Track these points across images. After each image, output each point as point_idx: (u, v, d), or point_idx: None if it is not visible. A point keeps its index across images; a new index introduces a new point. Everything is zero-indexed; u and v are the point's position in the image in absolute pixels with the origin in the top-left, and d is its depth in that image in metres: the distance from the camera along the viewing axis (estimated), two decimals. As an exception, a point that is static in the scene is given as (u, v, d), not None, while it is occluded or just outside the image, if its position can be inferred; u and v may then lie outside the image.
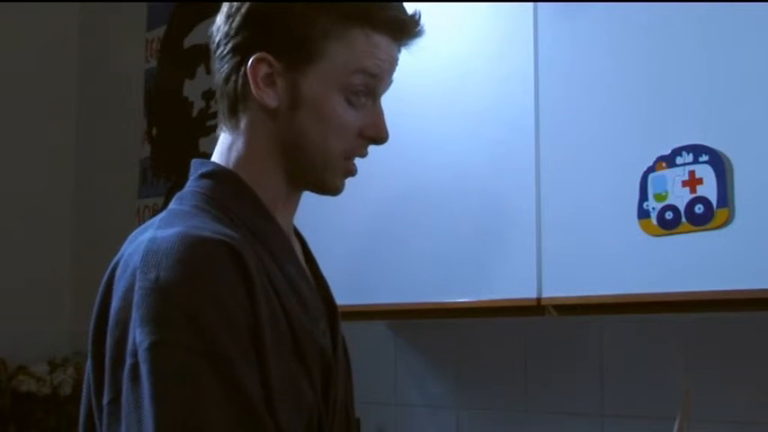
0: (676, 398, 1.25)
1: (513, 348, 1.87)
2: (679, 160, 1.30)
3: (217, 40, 1.02)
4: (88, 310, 0.95)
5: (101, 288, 0.94)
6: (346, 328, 1.11)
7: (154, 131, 2.81)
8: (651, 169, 1.32)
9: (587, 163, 1.41)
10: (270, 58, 0.97)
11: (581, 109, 1.43)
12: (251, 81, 0.98)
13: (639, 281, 1.33)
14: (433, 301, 1.57)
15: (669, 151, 1.31)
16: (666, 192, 1.31)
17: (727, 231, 1.25)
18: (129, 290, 0.87)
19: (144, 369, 0.83)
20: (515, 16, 1.52)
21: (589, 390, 1.75)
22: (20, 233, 2.87)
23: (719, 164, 1.26)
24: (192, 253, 0.86)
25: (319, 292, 1.06)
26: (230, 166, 1.02)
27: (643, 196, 1.33)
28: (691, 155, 1.28)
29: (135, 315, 0.85)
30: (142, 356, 0.83)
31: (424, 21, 1.03)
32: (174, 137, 2.73)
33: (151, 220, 0.98)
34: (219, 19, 1.02)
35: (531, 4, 1.50)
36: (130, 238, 0.98)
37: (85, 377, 0.97)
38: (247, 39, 0.98)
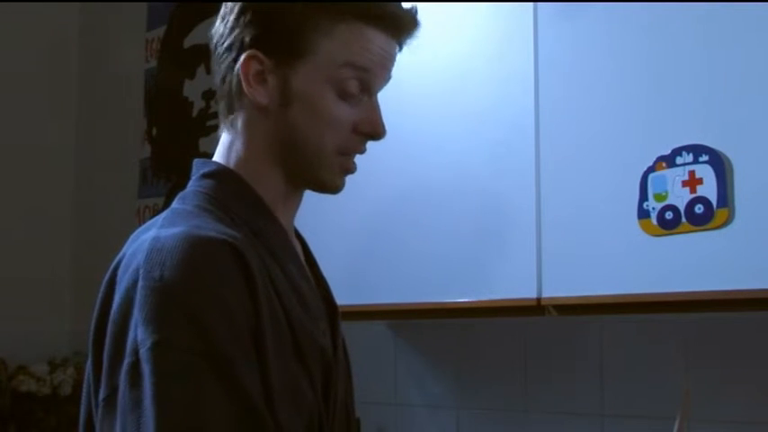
0: (676, 398, 1.25)
1: (513, 348, 1.87)
2: (679, 160, 1.30)
3: (214, 41, 1.03)
4: (88, 310, 0.95)
5: (102, 287, 0.94)
6: (346, 328, 1.11)
7: (154, 131, 2.81)
8: (651, 169, 1.32)
9: (587, 163, 1.41)
10: (260, 55, 0.98)
11: (581, 109, 1.43)
12: (242, 79, 0.99)
13: (639, 281, 1.33)
14: (433, 301, 1.57)
15: (669, 151, 1.31)
16: (666, 192, 1.31)
17: (727, 231, 1.25)
18: (131, 288, 0.87)
19: (145, 369, 0.83)
20: (515, 16, 1.52)
21: (589, 390, 1.75)
22: (20, 233, 2.87)
23: (719, 164, 1.26)
24: (195, 253, 0.86)
25: (320, 293, 1.06)
26: (231, 165, 1.02)
27: (643, 196, 1.33)
28: (691, 155, 1.29)
29: (137, 314, 0.85)
30: (144, 356, 0.83)
31: (421, 17, 1.03)
32: (174, 137, 2.73)
33: (154, 219, 0.98)
34: (217, 21, 1.03)
35: (531, 4, 1.50)
36: (132, 237, 0.98)
37: (86, 377, 0.97)
38: (239, 38, 0.99)
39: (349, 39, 0.98)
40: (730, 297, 1.25)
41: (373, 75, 1.00)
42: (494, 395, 1.90)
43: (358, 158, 1.05)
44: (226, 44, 1.00)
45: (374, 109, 1.02)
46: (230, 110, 1.02)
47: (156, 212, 1.03)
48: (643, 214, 1.33)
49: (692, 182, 1.28)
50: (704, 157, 1.27)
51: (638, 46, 1.38)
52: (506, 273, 1.48)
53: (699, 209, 1.27)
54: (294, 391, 0.92)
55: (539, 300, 1.44)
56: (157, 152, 2.78)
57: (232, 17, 1.00)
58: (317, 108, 0.98)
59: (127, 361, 0.85)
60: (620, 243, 1.35)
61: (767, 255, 1.22)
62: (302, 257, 1.07)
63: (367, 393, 1.85)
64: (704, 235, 1.27)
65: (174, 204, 1.01)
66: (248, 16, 0.99)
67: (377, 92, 1.03)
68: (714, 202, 1.26)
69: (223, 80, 1.02)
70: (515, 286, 1.46)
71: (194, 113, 2.65)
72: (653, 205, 1.32)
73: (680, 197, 1.29)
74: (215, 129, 1.07)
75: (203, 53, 2.59)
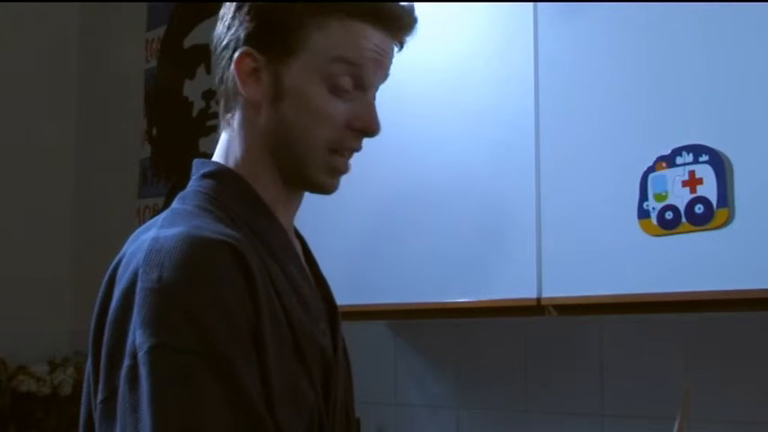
0: (676, 398, 1.25)
1: (513, 348, 1.87)
2: (679, 160, 1.30)
3: (214, 42, 1.04)
4: (88, 310, 0.95)
5: (102, 287, 0.94)
6: (346, 328, 1.11)
7: (154, 131, 2.81)
8: (651, 169, 1.32)
9: (587, 163, 1.41)
10: (254, 52, 0.98)
11: (581, 109, 1.43)
12: (236, 76, 0.99)
13: (639, 281, 1.33)
14: (433, 301, 1.57)
15: (669, 151, 1.31)
16: (666, 192, 1.31)
17: (727, 231, 1.25)
18: (130, 289, 0.87)
19: (143, 371, 0.82)
20: (515, 16, 1.52)
21: (589, 390, 1.75)
22: (20, 233, 2.87)
23: (719, 164, 1.26)
24: (194, 253, 0.86)
25: (320, 293, 1.05)
26: (229, 165, 1.02)
27: (643, 196, 1.33)
28: (691, 155, 1.29)
29: (136, 316, 0.85)
30: (142, 359, 0.83)
31: (420, 16, 1.02)
32: (174, 137, 2.73)
33: (153, 219, 0.98)
34: (218, 22, 1.04)
35: (531, 4, 1.50)
36: (132, 237, 0.98)
37: (86, 377, 0.97)
38: (235, 36, 1.00)
39: (341, 34, 0.97)
40: (730, 297, 1.25)
41: (366, 70, 0.99)
42: (494, 395, 1.90)
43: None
44: (223, 43, 1.01)
45: (368, 105, 1.01)
46: (227, 109, 1.03)
47: (156, 212, 1.03)
48: (643, 214, 1.33)
49: (692, 182, 1.28)
50: (704, 157, 1.27)
51: (638, 46, 1.38)
52: (506, 273, 1.48)
53: (699, 209, 1.27)
54: (294, 391, 0.92)
55: (539, 300, 1.44)
56: (157, 152, 2.78)
57: (229, 16, 1.01)
58: (306, 103, 0.98)
59: (126, 363, 0.84)
60: (620, 243, 1.35)
61: (767, 255, 1.22)
62: (302, 257, 1.07)
63: (367, 393, 1.86)
64: (704, 235, 1.27)
65: (174, 204, 1.00)
66: (243, 14, 0.99)
67: (372, 88, 1.02)
68: (714, 202, 1.26)
69: (221, 80, 1.02)
70: (515, 286, 1.47)
71: (194, 113, 2.65)
72: (653, 205, 1.32)
73: (680, 197, 1.29)
74: (215, 129, 1.08)
75: (203, 53, 2.60)
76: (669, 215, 1.30)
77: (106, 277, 0.94)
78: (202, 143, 2.59)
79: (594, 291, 1.38)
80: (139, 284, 0.86)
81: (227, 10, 1.01)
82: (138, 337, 0.84)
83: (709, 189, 1.26)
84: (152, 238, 0.90)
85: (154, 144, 2.79)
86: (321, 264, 1.11)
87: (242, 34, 0.99)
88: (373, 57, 0.99)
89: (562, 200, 1.43)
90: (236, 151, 1.02)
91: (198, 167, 1.04)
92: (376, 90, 1.04)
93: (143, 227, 0.98)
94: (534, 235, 1.45)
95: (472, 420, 1.93)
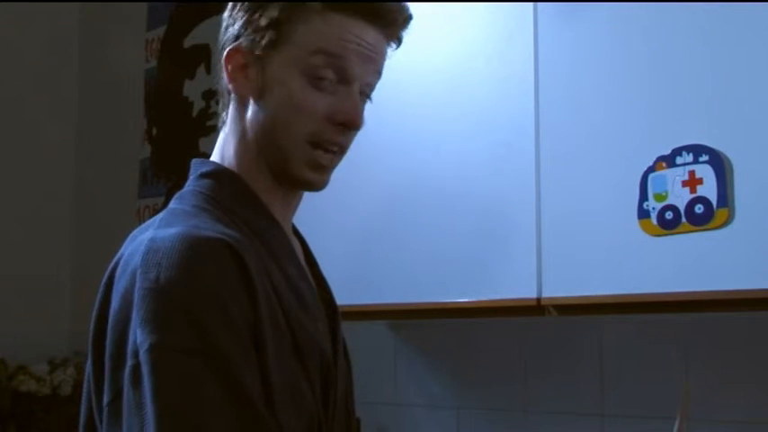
0: (676, 398, 1.25)
1: (512, 348, 1.87)
2: (679, 160, 1.30)
3: (218, 45, 1.05)
4: (88, 310, 0.95)
5: (101, 288, 0.94)
6: (346, 328, 1.11)
7: (154, 131, 2.81)
8: (651, 169, 1.32)
9: (587, 163, 1.41)
10: (243, 49, 0.99)
11: (581, 109, 1.43)
12: (225, 73, 1.00)
13: (639, 281, 1.33)
14: (433, 301, 1.57)
15: (669, 151, 1.31)
16: (666, 192, 1.31)
17: (727, 231, 1.25)
18: (129, 290, 0.87)
19: (145, 370, 0.83)
20: (515, 16, 1.52)
21: (589, 390, 1.75)
22: (20, 233, 2.87)
23: (719, 164, 1.26)
24: (192, 253, 0.86)
25: (320, 293, 1.05)
26: (225, 164, 1.03)
27: (643, 196, 1.33)
28: (691, 155, 1.28)
29: (135, 316, 0.85)
30: (143, 358, 0.83)
31: (416, 14, 1.02)
32: (174, 137, 2.73)
33: (151, 220, 0.98)
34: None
35: (531, 4, 1.50)
36: (130, 237, 0.98)
37: (86, 377, 0.97)
38: (229, 35, 1.01)
39: (322, 27, 0.97)
40: (730, 297, 1.25)
41: (348, 62, 0.98)
42: (494, 395, 1.90)
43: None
44: (221, 44, 1.02)
45: (351, 98, 1.00)
46: (223, 107, 1.04)
47: (156, 212, 1.03)
48: (643, 214, 1.33)
49: (692, 182, 1.28)
50: (704, 157, 1.27)
51: (638, 46, 1.38)
52: (506, 273, 1.48)
53: (699, 209, 1.27)
54: (294, 391, 0.92)
55: (539, 300, 1.44)
56: (157, 152, 2.78)
57: (226, 16, 1.03)
58: (287, 96, 0.98)
59: (129, 364, 0.85)
60: (620, 243, 1.35)
61: (767, 255, 1.22)
62: (302, 258, 1.07)
63: (367, 393, 1.85)
64: (704, 235, 1.27)
65: (172, 204, 1.00)
66: (235, 13, 1.01)
67: (356, 82, 1.00)
68: (714, 202, 1.26)
69: (219, 79, 1.04)
70: (515, 286, 1.46)
71: (194, 113, 2.65)
72: (653, 205, 1.32)
73: (680, 197, 1.29)
74: (215, 129, 1.08)
75: (203, 53, 2.59)
76: (669, 215, 1.30)
77: (105, 278, 0.94)
78: (202, 143, 2.59)
79: (594, 291, 1.38)
80: (138, 284, 0.86)
81: (226, 11, 1.03)
82: (138, 336, 0.84)
83: (709, 189, 1.26)
84: (150, 238, 0.90)
85: (154, 144, 2.79)
86: (321, 264, 1.11)
87: (233, 32, 1.00)
88: (356, 49, 0.98)
89: (562, 200, 1.43)
90: (230, 149, 1.03)
91: (196, 167, 1.04)
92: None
93: (141, 227, 0.98)
94: (534, 235, 1.45)
95: (472, 420, 1.93)
